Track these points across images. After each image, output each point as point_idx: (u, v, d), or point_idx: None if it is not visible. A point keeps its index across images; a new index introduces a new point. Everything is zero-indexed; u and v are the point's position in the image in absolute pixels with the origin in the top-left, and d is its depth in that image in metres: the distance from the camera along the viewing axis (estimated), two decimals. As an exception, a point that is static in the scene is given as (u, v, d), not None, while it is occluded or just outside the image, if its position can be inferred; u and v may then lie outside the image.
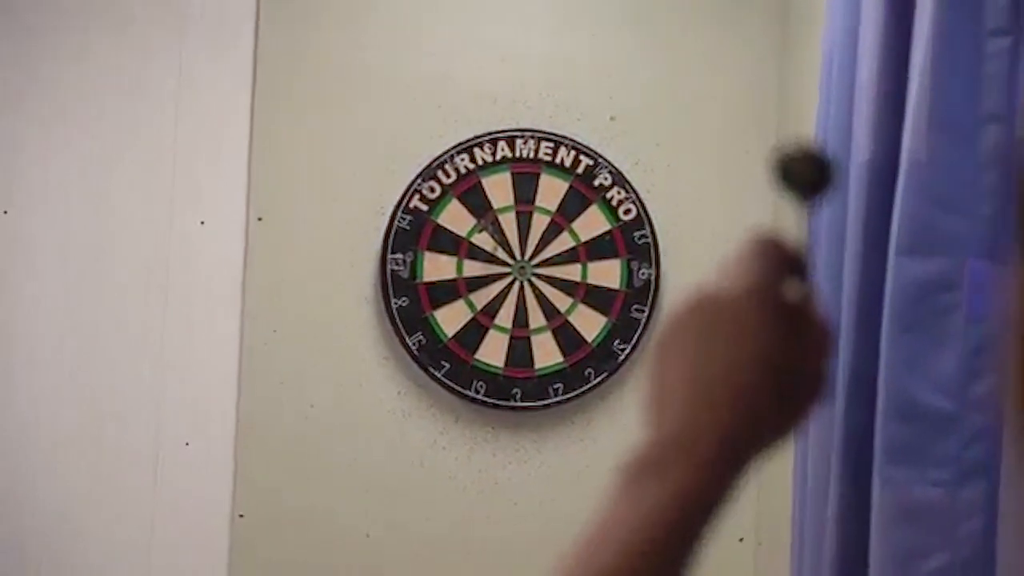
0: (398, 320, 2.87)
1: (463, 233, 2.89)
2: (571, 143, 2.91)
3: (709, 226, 2.96)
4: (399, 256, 2.87)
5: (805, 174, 0.73)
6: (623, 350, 2.91)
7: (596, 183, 2.91)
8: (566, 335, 2.91)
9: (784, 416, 0.64)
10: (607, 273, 2.92)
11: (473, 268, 2.90)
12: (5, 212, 2.79)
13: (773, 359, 0.63)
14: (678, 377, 0.63)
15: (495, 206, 2.90)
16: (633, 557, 0.60)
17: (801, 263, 0.68)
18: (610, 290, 2.91)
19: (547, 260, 2.91)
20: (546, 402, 2.91)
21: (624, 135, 2.95)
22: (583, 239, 2.91)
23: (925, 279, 1.51)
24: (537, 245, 2.91)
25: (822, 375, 0.65)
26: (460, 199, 2.89)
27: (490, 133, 2.90)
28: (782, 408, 0.64)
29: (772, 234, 0.69)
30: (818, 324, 0.66)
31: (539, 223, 2.91)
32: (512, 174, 2.90)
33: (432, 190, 2.88)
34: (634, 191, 2.92)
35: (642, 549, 0.61)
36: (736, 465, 0.62)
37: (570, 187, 2.91)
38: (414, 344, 2.88)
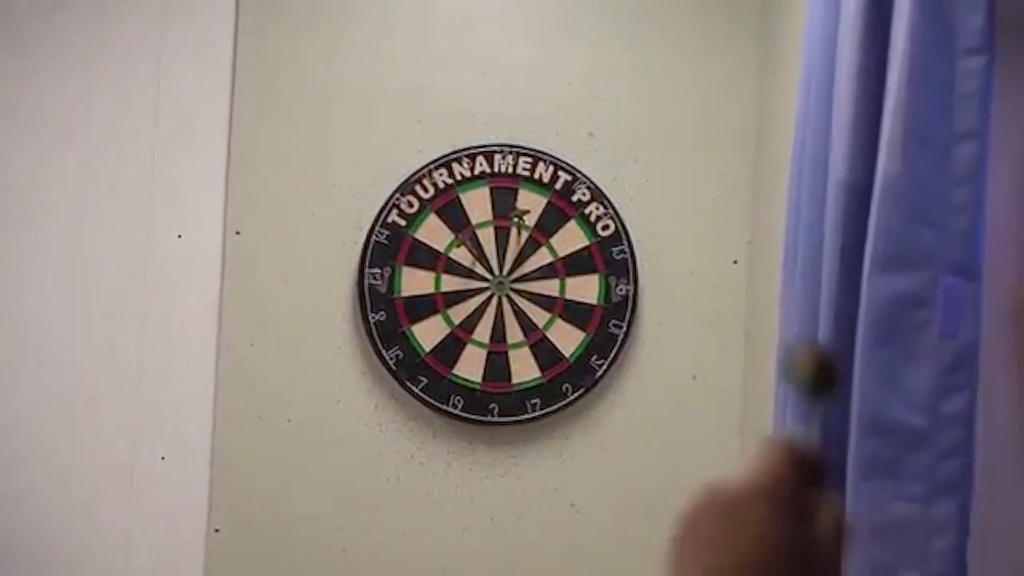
0: (376, 335, 2.87)
1: (441, 248, 2.89)
2: (550, 158, 2.91)
3: (687, 243, 2.97)
4: (377, 271, 2.87)
5: (811, 375, 0.74)
6: (600, 366, 2.92)
7: (574, 199, 2.92)
8: (544, 350, 2.91)
9: None
10: (585, 288, 2.92)
11: (451, 283, 2.90)
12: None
13: (787, 557, 0.62)
14: (694, 571, 0.62)
15: (473, 221, 2.90)
16: None
17: (816, 470, 0.67)
18: (588, 305, 2.92)
19: (525, 275, 2.91)
20: (523, 417, 2.91)
21: (602, 151, 2.96)
22: (561, 254, 2.92)
23: (899, 295, 1.52)
24: (515, 260, 2.91)
25: (838, 568, 0.65)
26: (438, 214, 2.89)
27: (468, 148, 2.90)
28: None
29: (790, 440, 0.68)
30: (834, 520, 0.66)
31: (517, 238, 2.91)
32: (490, 189, 2.90)
33: (410, 205, 2.88)
34: (612, 207, 2.93)
35: None
36: None
37: (548, 202, 2.92)
38: (391, 359, 2.87)
